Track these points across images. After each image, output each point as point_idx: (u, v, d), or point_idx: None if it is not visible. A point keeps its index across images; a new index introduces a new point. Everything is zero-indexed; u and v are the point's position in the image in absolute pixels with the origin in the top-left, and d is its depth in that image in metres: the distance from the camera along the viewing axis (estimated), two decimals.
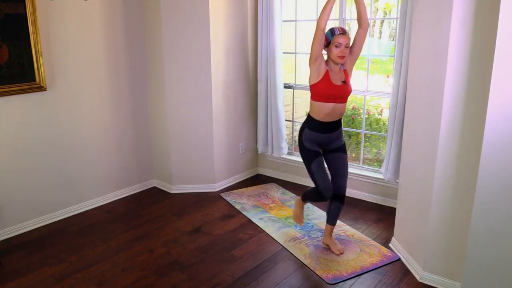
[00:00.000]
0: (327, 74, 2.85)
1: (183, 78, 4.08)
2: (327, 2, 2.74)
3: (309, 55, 2.86)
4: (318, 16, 2.77)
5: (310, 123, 2.98)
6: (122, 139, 4.15)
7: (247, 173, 4.76)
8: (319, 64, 2.83)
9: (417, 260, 2.86)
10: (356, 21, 2.87)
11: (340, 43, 2.78)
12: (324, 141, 2.99)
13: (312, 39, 2.82)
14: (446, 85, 2.45)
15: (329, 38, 2.82)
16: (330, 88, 2.84)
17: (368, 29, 2.92)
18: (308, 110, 3.03)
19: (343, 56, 2.82)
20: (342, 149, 3.06)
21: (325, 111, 2.89)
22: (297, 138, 5.02)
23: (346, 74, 2.92)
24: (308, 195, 3.21)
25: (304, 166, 3.08)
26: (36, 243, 3.33)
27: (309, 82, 2.93)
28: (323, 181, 2.98)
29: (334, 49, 2.80)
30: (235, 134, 4.51)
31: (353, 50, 2.89)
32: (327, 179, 3.00)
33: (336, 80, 2.86)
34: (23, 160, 3.44)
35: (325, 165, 3.04)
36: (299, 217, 3.34)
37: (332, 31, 2.82)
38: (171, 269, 2.97)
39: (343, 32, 2.81)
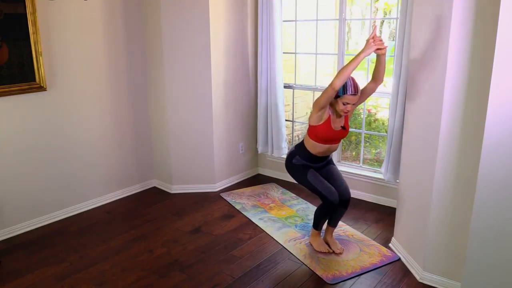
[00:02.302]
0: (328, 120, 2.85)
1: (183, 78, 4.08)
2: (348, 65, 2.58)
3: (314, 101, 2.84)
4: (336, 75, 2.65)
5: (302, 152, 3.02)
6: (122, 139, 4.15)
7: (247, 173, 4.76)
8: (323, 112, 2.83)
9: (417, 260, 2.86)
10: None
11: (348, 103, 2.77)
12: (313, 167, 3.05)
13: (322, 93, 2.74)
14: (446, 85, 2.45)
15: (339, 93, 2.75)
16: (329, 132, 2.87)
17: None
18: (308, 110, 3.03)
19: (348, 111, 2.83)
20: (331, 162, 3.14)
21: (320, 150, 2.96)
22: (297, 138, 4.99)
23: (346, 119, 2.94)
24: (317, 218, 3.14)
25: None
26: (36, 243, 3.33)
27: (309, 121, 2.94)
28: (324, 187, 2.97)
29: (341, 105, 2.78)
30: (235, 134, 4.51)
31: (360, 99, 2.84)
32: (327, 183, 2.99)
33: (336, 125, 2.89)
34: (23, 160, 3.44)
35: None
36: (320, 246, 3.17)
37: (345, 87, 2.72)
38: (171, 269, 2.97)
39: (356, 92, 2.73)
